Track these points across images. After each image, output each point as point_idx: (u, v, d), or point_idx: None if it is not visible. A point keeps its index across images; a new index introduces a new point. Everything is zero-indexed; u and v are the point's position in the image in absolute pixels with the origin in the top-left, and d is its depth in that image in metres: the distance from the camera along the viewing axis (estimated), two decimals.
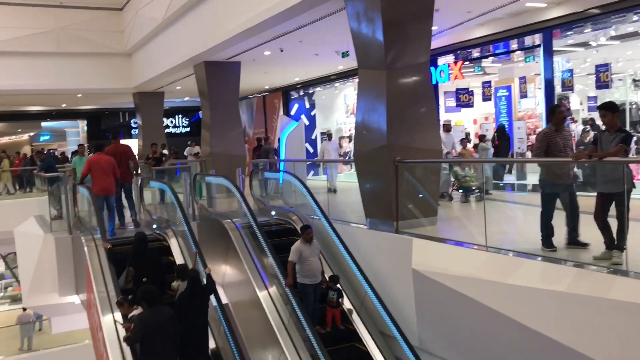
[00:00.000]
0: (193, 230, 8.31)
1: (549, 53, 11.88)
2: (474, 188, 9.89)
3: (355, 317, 7.51)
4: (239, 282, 8.42)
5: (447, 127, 11.92)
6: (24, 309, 17.42)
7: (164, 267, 7.81)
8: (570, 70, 12.24)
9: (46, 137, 35.78)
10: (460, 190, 10.16)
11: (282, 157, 14.02)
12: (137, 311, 6.36)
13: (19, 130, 35.20)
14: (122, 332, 6.39)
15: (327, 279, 7.57)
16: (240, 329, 8.22)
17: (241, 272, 8.28)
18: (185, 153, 18.51)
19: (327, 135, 14.35)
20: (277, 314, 7.41)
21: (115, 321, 6.76)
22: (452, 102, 16.56)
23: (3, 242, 15.04)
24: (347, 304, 7.66)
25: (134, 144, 21.25)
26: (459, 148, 11.63)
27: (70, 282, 8.88)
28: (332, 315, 7.41)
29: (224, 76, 14.23)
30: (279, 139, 16.24)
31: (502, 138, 13.28)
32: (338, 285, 7.48)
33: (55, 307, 9.57)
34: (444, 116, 16.36)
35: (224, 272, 8.98)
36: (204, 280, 7.00)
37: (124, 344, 6.26)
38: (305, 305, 7.17)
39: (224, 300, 8.18)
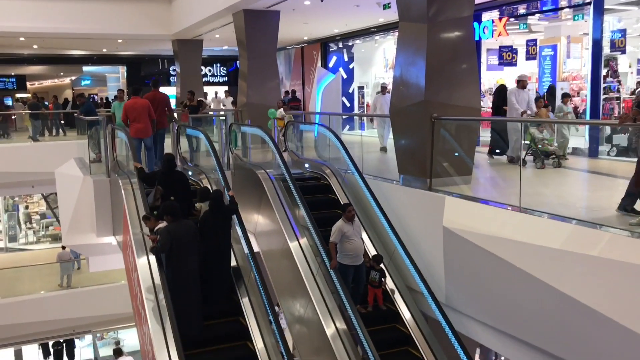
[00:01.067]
0: (227, 179, 8.43)
1: (599, 11, 11.36)
2: (554, 153, 9.06)
3: (397, 298, 7.37)
4: (271, 231, 8.54)
5: (523, 84, 10.22)
6: (63, 248, 18.06)
7: (190, 187, 8.46)
8: (622, 31, 11.71)
9: (87, 82, 36.32)
10: (533, 155, 9.12)
11: (318, 109, 13.93)
12: (162, 224, 6.89)
13: (61, 73, 35.77)
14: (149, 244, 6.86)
15: (370, 258, 7.40)
16: (270, 277, 8.40)
17: (273, 222, 8.39)
18: (209, 100, 18.44)
19: (382, 89, 13.54)
20: (306, 265, 7.52)
21: (143, 234, 7.20)
22: (494, 60, 16.10)
23: (44, 182, 15.52)
24: (390, 284, 7.58)
25: (172, 92, 21.44)
26: (535, 108, 10.12)
27: (108, 223, 9.14)
28: (374, 294, 7.31)
29: (262, 25, 14.08)
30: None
31: (552, 99, 12.87)
32: (381, 266, 7.32)
33: (92, 247, 9.90)
34: (485, 75, 15.95)
35: (256, 221, 9.10)
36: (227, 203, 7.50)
37: (157, 285, 6.47)
38: (347, 286, 6.89)
39: (255, 248, 8.33)
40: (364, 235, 8.16)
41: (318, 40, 21.95)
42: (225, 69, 29.33)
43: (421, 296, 6.97)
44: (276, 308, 7.83)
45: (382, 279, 7.32)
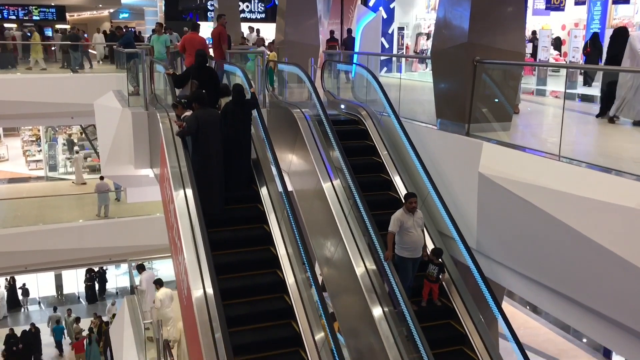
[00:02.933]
0: (263, 117, 8.45)
1: None
2: None
3: (454, 293, 7.03)
4: (304, 171, 8.59)
5: None
6: (102, 179, 18.53)
7: (219, 83, 9.10)
8: None
9: (125, 15, 36.28)
10: None
11: (357, 49, 13.69)
12: (188, 113, 7.68)
13: (100, 5, 35.70)
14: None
15: (429, 252, 7.03)
16: (302, 216, 8.51)
17: (307, 162, 8.43)
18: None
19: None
20: (339, 205, 7.59)
21: (173, 133, 7.72)
22: (541, 5, 15.49)
23: (83, 114, 15.79)
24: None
25: (208, 28, 21.26)
26: None
27: (145, 156, 9.30)
28: (430, 289, 6.95)
29: None
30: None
31: (594, 47, 12.39)
32: (440, 260, 6.94)
33: (130, 178, 10.12)
34: (530, 19, 15.38)
35: (290, 160, 9.16)
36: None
37: (194, 217, 6.63)
38: (402, 280, 6.60)
39: (289, 187, 8.41)
40: (397, 179, 8.17)
41: None
42: (262, 5, 28.87)
43: (452, 241, 7.00)
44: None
45: (440, 275, 6.95)
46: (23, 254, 16.11)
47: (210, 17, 27.82)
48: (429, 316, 6.80)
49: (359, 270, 6.91)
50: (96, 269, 22.56)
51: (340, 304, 7.72)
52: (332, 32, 16.36)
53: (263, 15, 28.71)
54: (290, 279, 6.84)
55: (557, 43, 16.86)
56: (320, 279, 7.82)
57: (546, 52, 14.52)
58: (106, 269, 22.58)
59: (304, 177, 8.65)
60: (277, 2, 24.71)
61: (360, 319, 6.92)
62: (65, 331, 19.59)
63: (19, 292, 22.45)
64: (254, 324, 6.50)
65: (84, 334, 19.04)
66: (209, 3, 28.02)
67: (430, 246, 7.22)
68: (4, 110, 15.75)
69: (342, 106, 9.97)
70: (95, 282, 22.88)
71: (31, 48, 17.81)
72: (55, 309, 21.43)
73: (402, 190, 7.96)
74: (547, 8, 14.18)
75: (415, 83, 13.09)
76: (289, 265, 6.98)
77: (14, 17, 30.04)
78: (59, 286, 23.60)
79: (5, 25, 26.28)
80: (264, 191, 7.85)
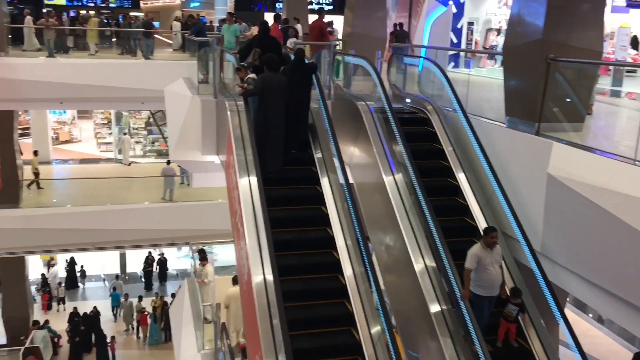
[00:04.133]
0: (328, 108, 8.50)
1: None
2: None
3: (532, 334, 6.67)
4: (366, 164, 8.58)
5: None
6: (168, 163, 19.09)
7: (282, 51, 9.64)
8: None
9: (196, 4, 37.07)
10: None
11: (425, 43, 13.52)
12: (251, 75, 8.29)
13: None
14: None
15: (508, 292, 6.60)
16: (362, 209, 8.52)
17: (369, 155, 8.41)
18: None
19: None
20: (400, 200, 7.55)
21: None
22: (620, 1, 14.82)
23: (153, 99, 16.27)
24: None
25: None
26: None
27: (212, 142, 9.50)
28: (507, 329, 6.57)
29: None
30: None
31: None
32: (520, 299, 6.51)
33: (197, 163, 10.38)
34: (608, 17, 14.75)
35: (352, 152, 9.16)
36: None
37: (257, 204, 6.76)
38: (477, 319, 6.27)
39: (350, 180, 8.43)
40: (461, 176, 8.05)
41: None
42: None
43: (515, 242, 6.84)
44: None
45: (519, 315, 6.57)
46: (91, 232, 16.83)
47: (278, 8, 28.08)
48: (505, 357, 6.50)
49: (418, 266, 6.86)
50: (157, 257, 23.25)
51: (397, 300, 7.70)
52: (400, 25, 16.24)
53: (331, 7, 28.76)
54: (348, 271, 6.90)
55: (635, 42, 16.10)
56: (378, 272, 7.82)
57: (624, 51, 13.87)
58: (166, 259, 23.22)
59: (366, 170, 8.64)
60: None
61: (417, 317, 6.89)
62: (120, 311, 20.36)
63: (78, 274, 23.47)
64: (307, 301, 6.74)
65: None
66: None
67: (509, 283, 6.83)
68: (78, 93, 16.43)
69: (408, 100, 9.89)
70: (154, 268, 23.52)
71: (87, 33, 18.40)
72: (117, 277, 22.43)
73: (465, 187, 7.85)
74: (628, 5, 13.54)
75: (484, 79, 12.80)
76: (347, 258, 7.03)
77: (92, 5, 31.28)
78: (122, 265, 24.55)
79: (82, 12, 27.44)
80: (318, 155, 8.18)
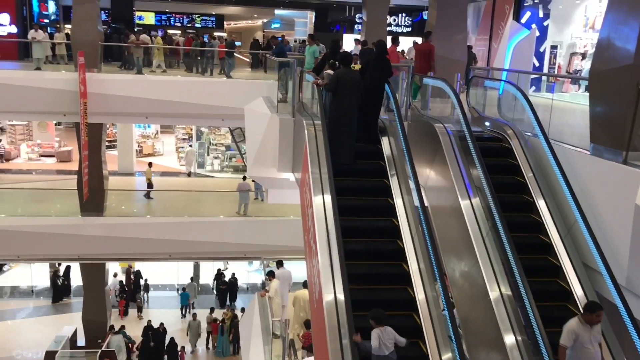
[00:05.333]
0: (404, 129, 8.48)
1: None
2: None
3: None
4: (442, 187, 8.47)
5: None
6: (244, 178, 19.56)
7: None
8: None
9: (276, 25, 38.01)
10: None
11: (506, 66, 13.26)
12: (328, 71, 8.82)
13: (255, 15, 37.78)
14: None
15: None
16: (436, 233, 8.39)
17: (445, 178, 8.30)
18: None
19: None
20: (476, 225, 7.39)
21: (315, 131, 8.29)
22: None
23: (232, 116, 16.79)
24: (566, 263, 7.05)
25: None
26: None
27: (288, 160, 9.68)
28: None
29: None
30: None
31: None
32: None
33: (272, 180, 10.57)
34: None
35: (427, 174, 9.07)
36: None
37: (330, 222, 6.79)
38: None
39: (425, 202, 8.33)
40: (541, 203, 7.79)
41: None
42: (410, 19, 28.92)
43: (598, 275, 6.53)
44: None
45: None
46: (168, 242, 17.43)
47: (356, 30, 28.36)
48: None
49: (493, 294, 6.67)
50: (227, 278, 23.56)
51: (469, 327, 7.50)
52: (469, 47, 16.03)
53: (409, 29, 28.77)
54: (420, 295, 6.79)
55: None
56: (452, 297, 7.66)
57: None
58: (236, 279, 23.50)
59: (441, 193, 8.53)
60: (425, 16, 24.65)
61: (490, 346, 6.68)
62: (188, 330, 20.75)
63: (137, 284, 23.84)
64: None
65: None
66: (357, 16, 28.57)
67: None
68: (163, 109, 17.18)
69: (487, 123, 9.71)
70: (221, 282, 23.79)
71: (154, 51, 19.11)
72: (192, 279, 23.16)
73: (545, 214, 7.59)
74: None
75: (567, 104, 12.39)
76: (419, 280, 6.93)
77: (179, 24, 32.72)
78: (196, 276, 25.21)
79: (170, 31, 28.75)
80: (399, 202, 7.91)
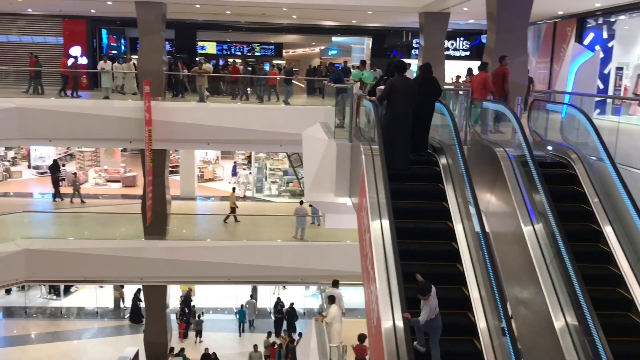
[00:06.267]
0: (464, 153, 8.38)
1: None
2: None
3: None
4: (503, 213, 8.27)
5: None
6: (301, 203, 19.70)
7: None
8: None
9: (334, 52, 38.49)
10: None
11: (569, 89, 12.93)
12: (381, 87, 9.07)
13: (312, 43, 38.40)
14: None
15: None
16: (497, 259, 8.18)
17: (507, 203, 8.11)
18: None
19: None
20: (539, 252, 7.15)
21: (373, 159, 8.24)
22: None
23: (290, 142, 17.04)
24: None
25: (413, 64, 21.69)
26: None
27: (346, 185, 9.70)
28: None
29: None
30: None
31: None
32: None
33: (329, 205, 10.59)
34: None
35: (488, 199, 8.89)
36: None
37: (388, 248, 6.74)
38: None
39: (486, 228, 8.16)
40: (609, 230, 7.49)
41: (574, 16, 20.22)
42: (468, 42, 28.69)
43: None
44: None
45: None
46: (227, 265, 17.72)
47: (413, 54, 28.36)
48: None
49: (558, 324, 6.42)
50: (286, 306, 23.49)
51: (532, 357, 7.22)
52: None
53: (468, 53, 28.52)
54: (482, 324, 6.61)
55: None
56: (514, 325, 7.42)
57: None
58: (295, 309, 23.37)
59: (503, 218, 8.32)
60: (483, 40, 24.45)
61: None
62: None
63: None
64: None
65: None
66: (414, 41, 28.59)
67: None
68: (224, 135, 17.65)
69: (550, 148, 9.47)
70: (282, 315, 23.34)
71: (197, 78, 19.58)
72: (251, 296, 23.66)
73: (613, 243, 7.28)
74: None
75: (634, 127, 11.92)
76: (481, 308, 6.75)
77: (239, 53, 33.65)
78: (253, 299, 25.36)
79: (230, 60, 29.59)
80: (458, 227, 7.80)
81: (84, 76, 19.62)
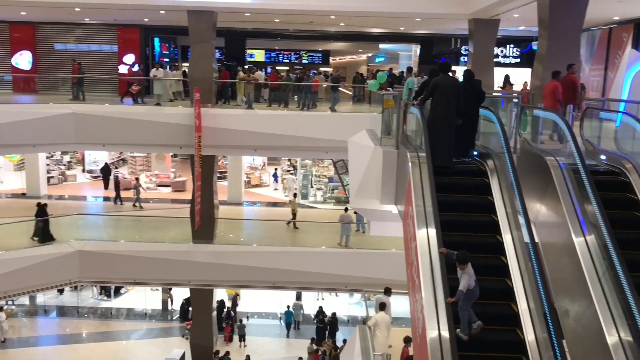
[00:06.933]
0: (514, 162, 8.23)
1: None
2: None
3: None
4: (554, 223, 8.08)
5: None
6: (346, 210, 19.69)
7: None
8: None
9: (381, 59, 38.38)
10: None
11: (624, 96, 12.54)
12: None
13: (359, 50, 38.42)
14: None
15: None
16: (547, 271, 7.99)
17: (557, 213, 7.91)
18: None
19: None
20: (591, 264, 6.94)
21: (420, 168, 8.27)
22: None
23: (335, 149, 17.11)
24: None
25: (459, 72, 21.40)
26: None
27: (391, 192, 9.65)
28: None
29: (569, 4, 13.12)
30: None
31: None
32: None
33: (375, 212, 10.56)
34: None
35: (538, 209, 8.70)
36: None
37: (434, 256, 6.68)
38: None
39: (536, 239, 7.99)
40: None
41: (631, 21, 19.58)
42: (518, 50, 28.17)
43: None
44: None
45: None
46: (272, 270, 17.89)
47: (462, 62, 28.02)
48: None
49: (611, 339, 6.21)
50: (327, 316, 23.38)
51: None
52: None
53: (518, 60, 28.00)
54: (530, 336, 6.47)
55: None
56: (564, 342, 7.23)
57: None
58: (337, 319, 23.19)
59: (553, 229, 8.13)
60: (534, 47, 23.97)
61: None
62: None
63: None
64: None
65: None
66: (462, 47, 28.27)
67: None
68: (271, 142, 17.86)
69: (603, 157, 9.21)
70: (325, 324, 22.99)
71: (238, 86, 19.77)
72: (297, 297, 23.92)
73: None
74: None
75: None
76: (529, 322, 6.61)
77: (287, 61, 33.99)
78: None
79: (278, 67, 29.94)
80: (507, 238, 7.65)
81: (139, 83, 20.13)
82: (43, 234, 18.09)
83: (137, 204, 24.78)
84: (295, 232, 20.52)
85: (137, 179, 26.88)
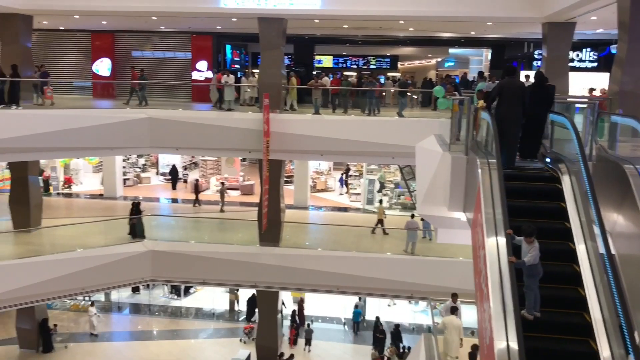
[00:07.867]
0: (589, 170, 7.94)
1: None
2: None
3: None
4: (633, 234, 7.72)
5: None
6: (412, 216, 19.50)
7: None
8: None
9: (450, 64, 37.86)
10: None
11: None
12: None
13: (428, 55, 38.04)
14: None
15: None
16: (624, 284, 7.64)
17: (636, 223, 7.56)
18: None
19: None
20: None
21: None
22: None
23: (402, 154, 16.98)
24: None
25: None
26: None
27: (460, 199, 9.50)
28: None
29: None
30: None
31: None
32: None
33: (442, 219, 10.43)
34: None
35: (615, 220, 8.33)
36: None
37: (503, 265, 6.54)
38: None
39: (612, 250, 7.66)
40: None
41: None
42: (595, 53, 27.09)
43: None
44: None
45: None
46: (336, 275, 17.96)
47: (535, 66, 27.23)
48: None
49: None
50: (383, 324, 22.95)
51: None
52: None
53: (595, 65, 26.93)
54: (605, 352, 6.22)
55: None
56: None
57: None
58: (400, 331, 22.73)
59: (632, 240, 7.76)
60: (612, 50, 22.99)
61: None
62: None
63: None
64: None
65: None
66: (535, 51, 27.48)
67: None
68: (337, 147, 17.95)
69: None
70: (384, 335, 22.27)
71: (314, 92, 19.71)
72: (360, 298, 23.78)
73: None
74: None
75: None
76: (604, 334, 6.36)
77: (354, 66, 34.10)
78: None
79: (345, 73, 30.05)
80: (581, 248, 7.45)
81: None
82: (136, 231, 19.31)
83: (222, 209, 25.61)
84: (360, 238, 20.46)
85: (222, 183, 27.64)
